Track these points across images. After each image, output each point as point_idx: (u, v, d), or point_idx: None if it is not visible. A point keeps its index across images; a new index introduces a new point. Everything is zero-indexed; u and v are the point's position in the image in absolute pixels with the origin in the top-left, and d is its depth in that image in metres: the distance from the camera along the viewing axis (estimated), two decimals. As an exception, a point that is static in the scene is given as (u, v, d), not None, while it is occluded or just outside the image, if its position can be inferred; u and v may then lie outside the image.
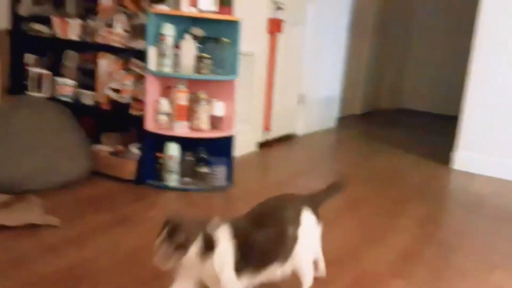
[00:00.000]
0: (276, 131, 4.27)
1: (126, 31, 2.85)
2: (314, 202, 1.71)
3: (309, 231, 1.63)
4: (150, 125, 2.80)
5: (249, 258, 1.45)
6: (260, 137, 4.03)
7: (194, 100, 2.83)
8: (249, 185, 3.06)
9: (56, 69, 3.15)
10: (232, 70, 2.86)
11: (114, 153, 2.95)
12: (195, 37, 2.80)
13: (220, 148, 2.94)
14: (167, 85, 2.82)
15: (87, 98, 3.00)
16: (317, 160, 3.98)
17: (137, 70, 2.83)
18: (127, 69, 2.88)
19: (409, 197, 3.10)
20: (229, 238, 1.42)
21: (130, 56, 2.85)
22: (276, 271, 1.55)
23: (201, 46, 2.80)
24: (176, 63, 2.75)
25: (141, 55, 2.75)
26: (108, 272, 1.82)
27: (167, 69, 2.73)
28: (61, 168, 2.62)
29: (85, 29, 2.99)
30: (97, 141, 3.04)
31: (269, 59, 3.95)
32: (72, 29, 3.01)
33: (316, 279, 1.76)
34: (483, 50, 3.76)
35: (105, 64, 2.93)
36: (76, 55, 3.13)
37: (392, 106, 7.29)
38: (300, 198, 1.68)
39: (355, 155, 4.22)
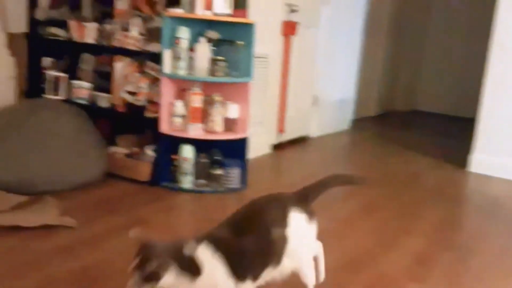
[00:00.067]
0: (290, 133, 4.27)
1: (141, 34, 2.87)
2: (303, 199, 1.61)
3: (300, 230, 1.54)
4: (165, 127, 2.82)
5: (239, 269, 1.38)
6: (274, 139, 4.03)
7: (208, 103, 2.84)
8: (263, 187, 3.05)
9: (73, 72, 3.18)
10: (247, 73, 2.87)
11: (130, 155, 2.97)
12: (210, 40, 2.81)
13: (234, 150, 2.94)
14: (182, 87, 2.84)
15: (103, 100, 3.03)
16: (331, 162, 3.97)
17: (152, 73, 2.85)
18: (142, 72, 2.90)
19: (425, 200, 3.07)
20: (213, 255, 1.35)
21: (146, 59, 2.87)
22: (272, 274, 1.50)
23: (215, 48, 2.80)
24: (191, 66, 2.76)
25: (157, 58, 2.77)
26: (123, 274, 1.82)
27: (182, 71, 2.74)
28: (77, 170, 2.65)
29: (101, 33, 3.02)
30: (113, 143, 3.07)
31: (283, 61, 3.95)
32: (88, 33, 3.04)
33: (330, 284, 1.75)
34: (500, 51, 3.71)
35: (120, 67, 2.96)
36: (92, 58, 3.17)
37: (407, 108, 7.23)
38: (286, 197, 1.59)
39: (369, 157, 4.20)
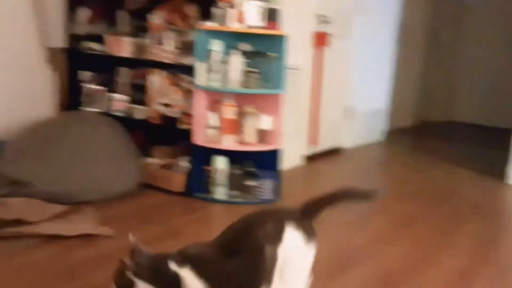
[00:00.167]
0: (323, 145, 4.24)
1: (175, 47, 2.93)
2: (304, 216, 1.44)
3: (293, 249, 1.37)
4: (198, 139, 2.85)
5: None
6: (307, 150, 4.01)
7: (241, 114, 2.86)
8: (296, 198, 3.02)
9: (110, 85, 3.27)
10: (279, 84, 2.88)
11: (164, 166, 3.01)
12: (243, 52, 2.83)
13: (267, 161, 2.95)
14: (215, 99, 2.87)
15: (139, 112, 3.10)
16: (364, 174, 3.91)
17: (186, 85, 2.90)
18: (176, 85, 2.95)
19: (463, 214, 2.98)
20: (196, 279, 1.30)
21: (180, 71, 2.92)
22: None
23: (248, 60, 2.83)
24: (223, 78, 2.79)
25: (190, 71, 2.81)
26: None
27: (215, 84, 2.78)
28: (114, 180, 2.71)
29: (137, 47, 3.10)
30: (148, 154, 3.12)
31: (315, 72, 3.94)
32: (124, 47, 3.12)
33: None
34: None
35: (155, 80, 3.02)
36: (128, 72, 3.25)
37: (443, 119, 7.07)
38: (284, 212, 1.46)
39: (404, 170, 4.12)
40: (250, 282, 1.33)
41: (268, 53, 2.85)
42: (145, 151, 3.12)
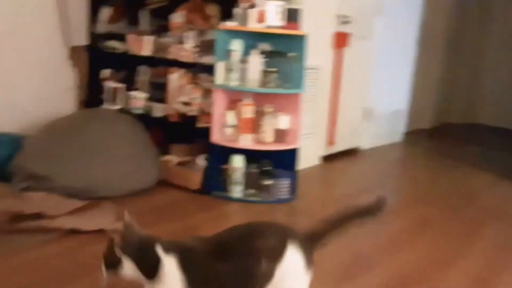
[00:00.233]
0: (341, 145, 4.22)
1: (195, 47, 2.95)
2: (308, 241, 1.36)
3: (292, 271, 1.30)
4: (216, 137, 2.87)
5: None
6: (324, 150, 4.00)
7: (259, 113, 2.86)
8: (312, 198, 3.04)
9: (130, 83, 3.31)
10: (298, 84, 2.87)
11: (182, 164, 3.04)
12: (262, 52, 2.84)
13: (284, 160, 2.95)
14: (234, 98, 2.88)
15: (158, 110, 3.13)
16: (382, 176, 3.88)
17: (205, 84, 2.91)
18: (195, 83, 2.97)
19: (483, 218, 2.93)
20: (178, 270, 1.27)
21: (199, 70, 2.94)
22: None
23: (267, 60, 2.83)
24: (243, 77, 2.80)
25: (210, 70, 2.83)
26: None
27: (234, 83, 2.79)
28: (132, 177, 2.74)
29: (157, 45, 3.13)
30: (166, 151, 3.15)
31: (334, 73, 3.92)
32: (145, 46, 3.15)
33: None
34: None
35: (175, 78, 3.05)
36: (148, 70, 3.28)
37: (465, 121, 6.96)
38: (289, 229, 1.37)
39: (422, 172, 4.07)
40: None
41: (288, 53, 2.85)
42: (163, 149, 3.15)
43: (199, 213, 2.62)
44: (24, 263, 1.90)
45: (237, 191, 2.85)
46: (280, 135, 2.91)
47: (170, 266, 1.28)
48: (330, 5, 3.72)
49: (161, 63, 3.13)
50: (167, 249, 1.30)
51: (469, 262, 2.26)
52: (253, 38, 2.88)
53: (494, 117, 6.91)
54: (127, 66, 3.37)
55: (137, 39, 3.19)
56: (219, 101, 2.85)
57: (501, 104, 6.83)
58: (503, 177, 3.97)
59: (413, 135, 5.50)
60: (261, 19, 2.73)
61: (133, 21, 3.39)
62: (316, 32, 3.34)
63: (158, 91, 3.18)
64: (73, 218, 2.29)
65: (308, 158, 3.69)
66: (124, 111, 3.16)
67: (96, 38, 3.43)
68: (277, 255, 1.29)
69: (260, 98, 2.88)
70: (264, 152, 2.90)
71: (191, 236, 1.42)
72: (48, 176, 2.55)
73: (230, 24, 2.75)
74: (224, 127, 2.86)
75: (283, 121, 2.90)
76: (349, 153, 4.35)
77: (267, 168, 2.93)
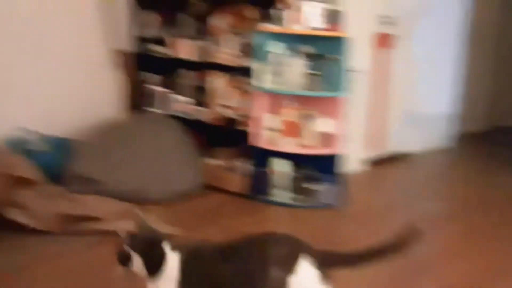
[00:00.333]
0: (387, 150, 4.10)
1: (236, 50, 2.96)
2: (323, 257, 1.30)
3: (308, 285, 1.25)
4: (259, 141, 2.85)
5: None
6: (369, 155, 3.90)
7: (302, 117, 2.83)
8: (358, 204, 2.95)
9: (173, 87, 3.37)
10: (340, 87, 2.82)
11: (225, 167, 3.04)
12: (303, 54, 2.81)
13: (328, 165, 2.88)
14: (275, 101, 2.86)
15: (200, 114, 3.16)
16: (431, 181, 3.73)
17: (247, 87, 2.91)
18: (237, 87, 2.98)
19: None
20: (177, 268, 1.28)
21: (240, 74, 2.94)
22: None
23: (309, 63, 2.80)
24: (284, 80, 2.78)
25: (251, 73, 2.83)
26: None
27: (275, 86, 2.77)
28: (177, 180, 2.77)
29: (199, 49, 3.17)
30: (209, 155, 3.17)
31: (378, 75, 3.83)
32: (187, 50, 3.20)
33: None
34: None
35: (216, 82, 3.07)
36: (191, 74, 3.32)
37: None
38: (303, 243, 1.31)
39: (474, 178, 3.87)
40: None
41: (329, 55, 2.81)
42: (206, 152, 3.17)
43: (243, 217, 2.61)
44: (72, 265, 1.95)
45: (280, 195, 2.82)
46: (324, 139, 2.86)
47: (172, 262, 1.30)
48: (372, 5, 3.64)
49: (203, 67, 3.17)
50: (174, 247, 1.33)
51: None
52: (293, 40, 2.85)
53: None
54: (170, 70, 3.42)
55: (180, 43, 3.24)
56: (260, 104, 2.84)
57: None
58: None
59: (464, 139, 5.26)
60: (301, 21, 2.70)
61: (176, 26, 3.45)
62: (358, 34, 3.27)
63: (200, 95, 3.21)
64: (121, 220, 2.34)
65: (353, 162, 3.60)
66: (168, 115, 3.21)
67: (140, 43, 3.51)
68: (288, 265, 1.25)
69: (302, 101, 2.84)
70: (308, 156, 2.86)
71: (202, 240, 1.42)
72: (99, 179, 2.62)
73: (270, 27, 2.74)
74: (266, 130, 2.85)
75: (326, 125, 2.85)
76: (397, 158, 4.22)
77: (311, 172, 2.88)
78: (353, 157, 3.58)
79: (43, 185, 2.47)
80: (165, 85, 3.39)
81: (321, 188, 2.84)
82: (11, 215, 2.19)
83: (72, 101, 3.27)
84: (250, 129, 2.86)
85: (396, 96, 4.09)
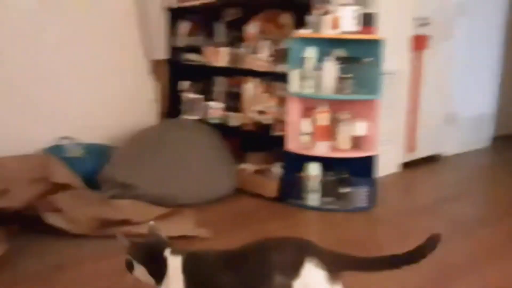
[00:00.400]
0: (422, 151, 4.04)
1: (270, 56, 2.98)
2: (332, 260, 1.27)
3: (314, 287, 1.23)
4: (292, 145, 2.86)
5: None
6: (404, 157, 3.85)
7: (335, 120, 2.82)
8: (392, 207, 2.93)
9: (207, 94, 3.41)
10: (375, 90, 2.80)
11: (258, 172, 3.07)
12: (337, 58, 2.80)
13: (362, 168, 2.87)
14: (309, 106, 2.86)
15: (234, 119, 3.19)
16: (467, 183, 3.65)
17: (280, 92, 2.93)
18: (270, 92, 3.00)
19: None
20: (180, 271, 1.28)
21: (274, 79, 2.96)
22: None
23: (343, 66, 2.79)
24: (317, 85, 2.78)
25: (284, 78, 2.84)
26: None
27: (309, 90, 2.77)
28: (210, 185, 2.81)
29: (232, 56, 3.20)
30: (242, 160, 3.20)
31: (413, 76, 3.78)
32: (221, 57, 3.24)
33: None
34: None
35: (250, 88, 3.09)
36: (225, 80, 3.36)
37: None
38: (309, 245, 1.29)
39: (509, 180, 3.77)
40: None
41: (364, 58, 2.79)
42: (239, 157, 3.20)
43: (275, 221, 2.62)
44: (110, 267, 2.00)
45: (313, 199, 2.82)
46: (357, 142, 2.85)
47: (174, 265, 1.31)
48: (407, 7, 3.59)
49: (236, 73, 3.20)
50: (176, 252, 1.35)
51: None
52: (327, 45, 2.85)
53: None
54: (204, 77, 3.48)
55: (214, 51, 3.29)
56: (294, 109, 2.85)
57: None
58: None
59: (502, 140, 5.12)
60: (335, 25, 2.70)
61: (210, 34, 3.50)
62: (393, 36, 3.24)
63: (234, 101, 3.25)
64: (156, 224, 2.39)
65: (387, 165, 3.57)
66: (202, 121, 3.26)
67: (175, 51, 3.58)
68: (293, 271, 1.23)
69: (336, 105, 2.84)
70: (341, 159, 2.85)
71: (205, 248, 1.44)
72: (134, 184, 2.69)
73: (304, 32, 2.75)
74: (300, 134, 2.86)
75: (360, 128, 2.84)
76: (432, 160, 4.15)
77: (345, 176, 2.87)
78: (388, 159, 3.55)
79: (81, 191, 2.55)
80: (200, 92, 3.44)
81: (355, 192, 2.83)
82: (50, 220, 2.26)
83: (110, 109, 3.38)
84: (284, 133, 2.87)
85: (433, 98, 4.03)
